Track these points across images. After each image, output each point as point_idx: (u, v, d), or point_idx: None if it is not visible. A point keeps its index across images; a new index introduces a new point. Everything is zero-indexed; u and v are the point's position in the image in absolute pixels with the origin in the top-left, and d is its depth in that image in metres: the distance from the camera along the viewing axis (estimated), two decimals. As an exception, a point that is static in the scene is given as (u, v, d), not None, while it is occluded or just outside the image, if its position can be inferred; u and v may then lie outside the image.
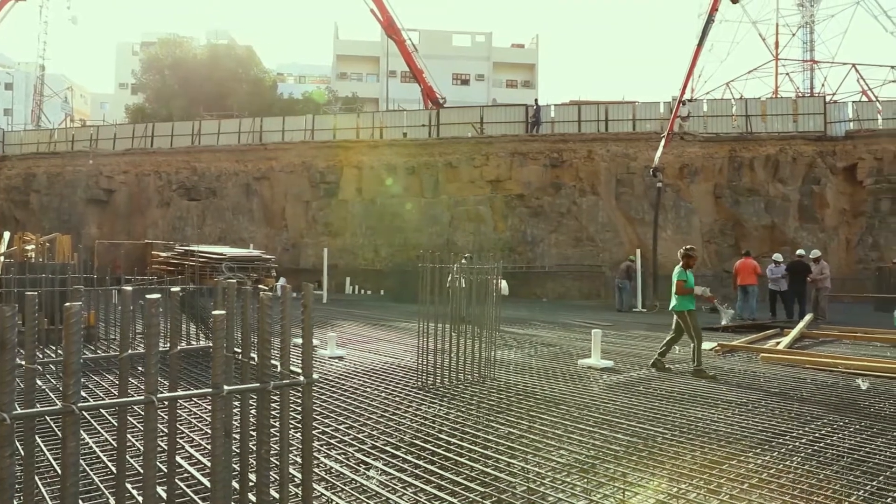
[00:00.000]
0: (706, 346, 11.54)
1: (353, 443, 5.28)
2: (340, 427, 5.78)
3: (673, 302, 9.35)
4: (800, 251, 18.45)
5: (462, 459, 4.84)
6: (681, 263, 9.38)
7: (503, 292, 12.33)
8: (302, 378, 2.22)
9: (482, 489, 4.22)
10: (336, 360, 9.61)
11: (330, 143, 30.99)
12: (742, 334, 13.52)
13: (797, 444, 5.36)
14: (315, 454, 4.94)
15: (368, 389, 7.49)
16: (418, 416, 6.23)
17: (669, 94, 25.81)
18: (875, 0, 40.36)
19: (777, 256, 18.08)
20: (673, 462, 4.82)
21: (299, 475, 4.38)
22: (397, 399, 6.97)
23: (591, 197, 27.55)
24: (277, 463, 2.35)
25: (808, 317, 14.99)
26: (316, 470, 4.59)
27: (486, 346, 8.33)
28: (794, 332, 12.60)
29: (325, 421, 5.98)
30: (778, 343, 11.73)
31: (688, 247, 9.78)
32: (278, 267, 22.25)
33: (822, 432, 5.74)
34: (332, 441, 5.33)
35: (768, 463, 4.82)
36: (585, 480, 4.42)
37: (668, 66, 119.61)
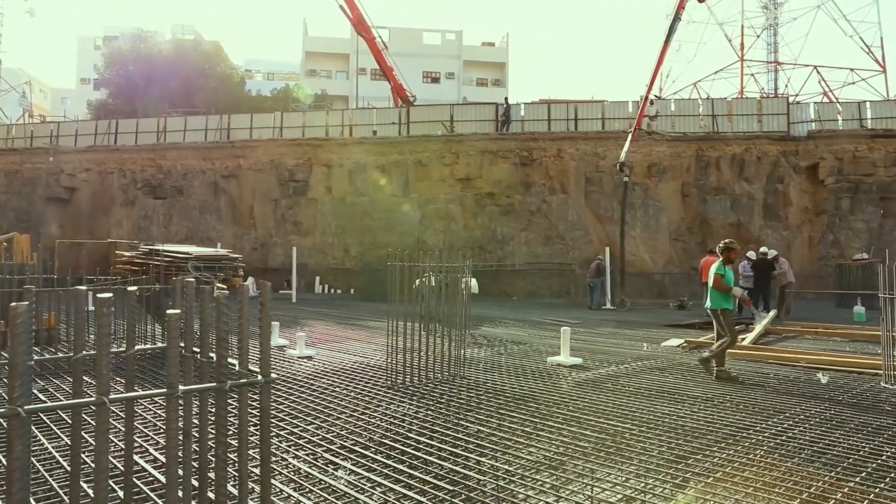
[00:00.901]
0: (673, 342, 11.71)
1: (322, 443, 5.23)
2: (309, 427, 5.72)
3: (708, 300, 8.81)
4: (763, 249, 18.79)
5: (431, 458, 4.81)
6: (720, 259, 8.74)
7: (473, 291, 12.33)
8: (260, 377, 2.17)
9: (451, 487, 4.20)
10: (305, 360, 9.52)
11: (299, 141, 30.69)
12: (708, 331, 13.71)
13: (761, 437, 5.45)
14: (283, 455, 4.89)
15: (338, 389, 7.42)
16: (387, 415, 6.20)
17: (638, 94, 26.19)
18: (835, 4, 41.33)
19: (751, 254, 18.31)
20: (640, 457, 4.85)
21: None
22: (366, 398, 6.92)
23: (560, 195, 27.73)
24: (237, 461, 2.30)
25: (772, 313, 15.27)
26: (284, 471, 4.53)
27: (456, 345, 8.32)
28: (758, 329, 12.84)
29: (294, 421, 5.91)
30: (743, 339, 11.93)
31: (727, 240, 9.01)
32: (246, 266, 22.01)
33: (785, 426, 5.85)
34: (300, 441, 5.27)
35: (733, 457, 4.88)
36: (554, 477, 4.43)
37: (637, 66, 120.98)
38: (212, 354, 2.22)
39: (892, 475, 4.51)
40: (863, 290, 16.27)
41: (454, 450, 5.02)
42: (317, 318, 16.23)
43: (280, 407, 6.46)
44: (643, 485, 4.28)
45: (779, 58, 46.51)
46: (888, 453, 5.04)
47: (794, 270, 20.20)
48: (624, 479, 4.40)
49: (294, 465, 4.66)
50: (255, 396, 2.48)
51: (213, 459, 2.22)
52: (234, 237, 29.75)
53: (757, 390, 7.53)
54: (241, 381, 2.13)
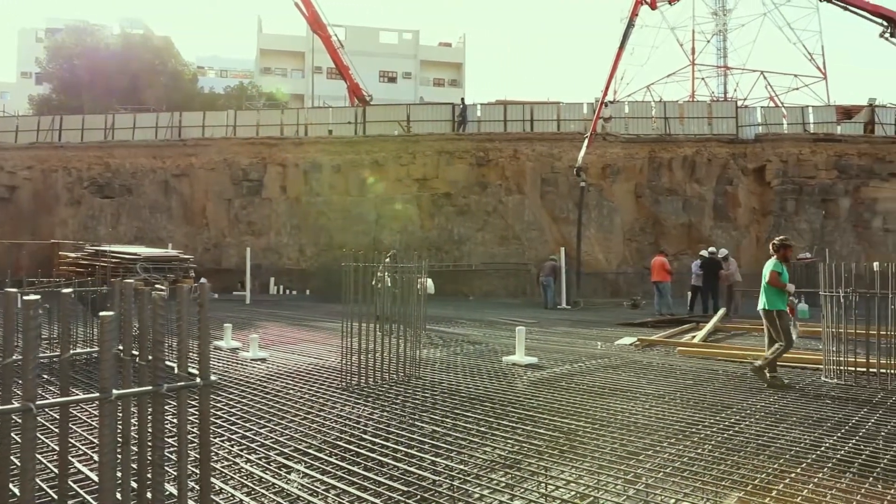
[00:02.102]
0: (626, 341, 11.90)
1: (275, 446, 5.14)
2: (262, 430, 5.61)
3: (762, 300, 8.13)
4: (711, 248, 19.28)
5: (386, 459, 4.78)
6: (774, 255, 8.26)
7: (429, 291, 12.31)
8: (199, 380, 2.11)
9: (406, 488, 4.17)
10: (259, 363, 9.36)
11: (253, 140, 30.20)
12: (660, 329, 14.00)
13: (709, 432, 5.57)
14: (235, 459, 4.78)
15: (291, 391, 7.32)
16: (342, 416, 6.13)
17: (593, 96, 26.64)
18: (780, 13, 42.69)
19: (703, 253, 18.71)
20: (594, 454, 4.91)
21: (219, 477, 4.24)
22: (321, 400, 6.84)
23: (517, 196, 27.94)
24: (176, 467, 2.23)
25: (721, 311, 15.68)
26: (235, 476, 4.43)
27: (412, 346, 8.29)
28: (708, 326, 13.16)
29: (247, 425, 5.80)
30: (694, 337, 12.21)
31: (782, 237, 8.59)
32: (198, 267, 21.54)
33: (732, 420, 5.99)
34: (252, 445, 5.17)
35: (683, 452, 4.98)
36: (509, 476, 4.44)
37: (592, 68, 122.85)
38: (151, 357, 2.15)
39: (831, 465, 4.67)
40: (806, 288, 16.84)
41: (409, 451, 4.99)
42: (271, 320, 15.98)
43: (232, 410, 6.33)
44: (596, 481, 4.33)
45: (728, 63, 47.85)
46: (827, 444, 5.21)
47: (743, 270, 20.79)
48: (577, 476, 4.44)
49: (246, 470, 4.56)
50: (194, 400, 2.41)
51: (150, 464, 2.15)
52: (186, 237, 29.09)
53: (706, 386, 7.71)
54: (178, 383, 2.06)
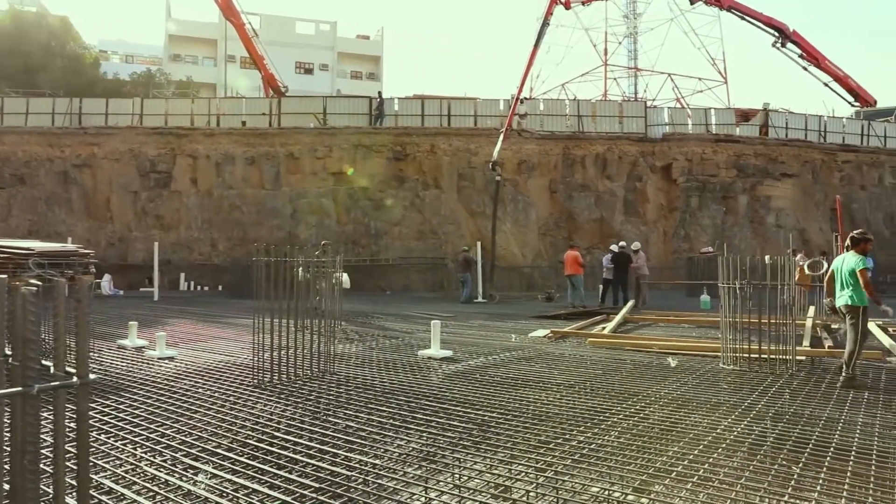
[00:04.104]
0: (540, 333, 12.18)
1: (182, 447, 4.96)
2: (168, 431, 5.40)
3: (848, 294, 7.41)
4: (621, 243, 20.01)
5: (298, 456, 4.70)
6: (853, 250, 7.56)
7: (345, 285, 12.20)
8: (76, 379, 2.00)
9: (318, 485, 4.12)
10: (166, 361, 9.00)
11: (161, 130, 28.91)
12: (573, 321, 14.42)
13: (617, 419, 5.79)
14: (138, 462, 4.58)
15: (201, 390, 7.08)
16: (254, 414, 5.99)
17: (509, 92, 27.11)
18: (685, 19, 44.69)
19: (613, 247, 19.37)
20: (506, 445, 5.00)
21: (113, 480, 4.04)
22: (232, 399, 6.65)
23: (433, 190, 28.06)
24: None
25: (630, 303, 16.31)
26: (139, 479, 4.25)
27: (326, 341, 8.18)
28: (617, 318, 13.64)
29: (151, 426, 5.56)
30: (604, 328, 12.65)
31: (861, 230, 7.99)
32: (102, 263, 20.43)
33: (638, 407, 6.25)
34: (157, 447, 4.97)
35: (591, 439, 5.15)
36: (423, 469, 4.46)
37: (509, 66, 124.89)
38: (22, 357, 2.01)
39: (725, 445, 4.95)
40: (708, 280, 17.78)
41: (322, 447, 4.93)
42: (180, 317, 15.40)
43: (137, 412, 6.06)
44: (508, 471, 4.41)
45: (638, 64, 49.68)
46: (723, 425, 5.53)
47: (651, 263, 21.72)
48: (490, 466, 4.51)
49: (150, 473, 4.38)
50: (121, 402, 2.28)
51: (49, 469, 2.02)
52: (88, 232, 27.53)
53: (615, 375, 8.00)
54: (53, 383, 1.95)
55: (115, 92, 37.08)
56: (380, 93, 32.40)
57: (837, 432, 5.35)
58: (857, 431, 5.39)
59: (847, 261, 7.54)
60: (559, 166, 28.85)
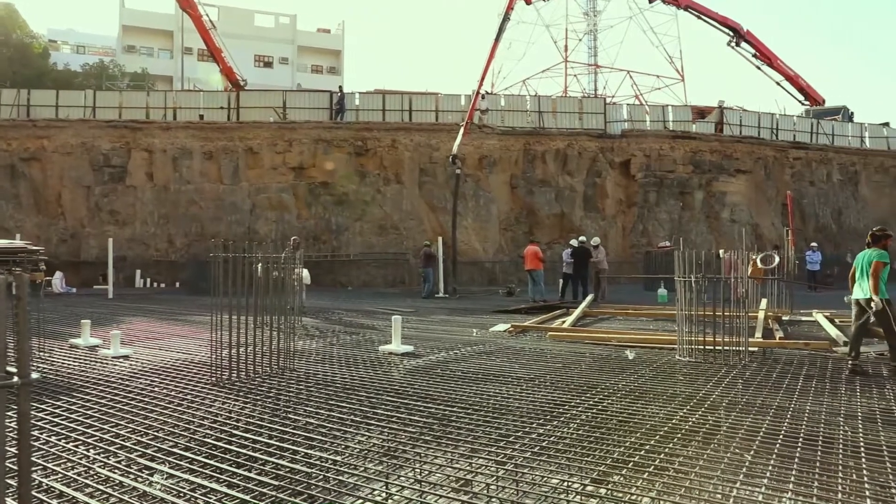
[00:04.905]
0: (500, 327, 12.27)
1: (137, 447, 4.86)
2: (123, 432, 5.29)
3: (874, 290, 7.70)
4: (581, 238, 20.26)
5: (258, 454, 4.66)
6: (874, 245, 7.95)
7: (305, 281, 12.10)
8: (17, 379, 1.94)
9: (277, 482, 4.09)
10: (121, 360, 8.81)
11: (115, 123, 28.13)
12: (533, 315, 14.56)
13: (576, 411, 5.87)
14: (89, 464, 4.47)
15: (157, 389, 6.95)
16: (211, 413, 5.90)
17: (471, 88, 27.17)
18: (644, 17, 45.39)
19: (574, 242, 19.57)
20: (467, 439, 5.03)
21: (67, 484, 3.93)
22: (189, 397, 6.55)
23: (395, 185, 27.97)
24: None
25: (589, 297, 16.53)
26: (91, 482, 4.15)
27: (286, 337, 8.11)
28: (577, 312, 13.83)
29: (105, 427, 5.44)
30: (564, 322, 12.80)
31: (881, 227, 8.39)
32: (53, 260, 19.85)
33: (596, 399, 6.35)
34: (111, 448, 4.86)
35: (550, 431, 5.22)
36: (384, 464, 4.46)
37: (471, 61, 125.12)
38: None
39: (680, 434, 5.07)
40: (665, 274, 18.13)
41: (282, 444, 4.89)
42: (136, 315, 15.07)
43: (90, 412, 5.91)
44: (469, 464, 4.44)
45: (598, 61, 50.26)
46: (679, 415, 5.66)
47: (610, 258, 22.04)
48: (451, 460, 4.54)
49: (104, 475, 4.28)
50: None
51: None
52: (38, 228, 26.68)
53: (574, 369, 8.11)
54: None
55: (66, 83, 35.98)
56: (340, 87, 32.11)
57: (787, 420, 5.52)
58: (805, 419, 5.57)
59: (867, 255, 7.92)
60: (520, 162, 29.04)
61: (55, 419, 5.69)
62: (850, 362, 7.76)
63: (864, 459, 4.49)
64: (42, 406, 6.14)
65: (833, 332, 10.68)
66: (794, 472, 4.22)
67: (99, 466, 4.44)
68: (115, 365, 8.46)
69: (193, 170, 27.65)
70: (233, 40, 37.51)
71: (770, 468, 4.30)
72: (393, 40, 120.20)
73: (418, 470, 4.35)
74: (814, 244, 25.56)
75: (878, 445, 4.80)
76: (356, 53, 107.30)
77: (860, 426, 5.35)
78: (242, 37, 47.72)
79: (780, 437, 5.01)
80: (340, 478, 4.20)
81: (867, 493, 3.90)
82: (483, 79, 25.22)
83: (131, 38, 53.50)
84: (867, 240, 8.14)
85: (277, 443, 4.93)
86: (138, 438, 5.10)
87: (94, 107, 29.06)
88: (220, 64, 32.86)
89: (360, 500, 3.86)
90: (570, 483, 4.08)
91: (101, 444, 4.96)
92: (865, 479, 4.12)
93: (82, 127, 27.77)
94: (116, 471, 4.36)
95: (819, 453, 4.62)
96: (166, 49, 53.47)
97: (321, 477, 4.20)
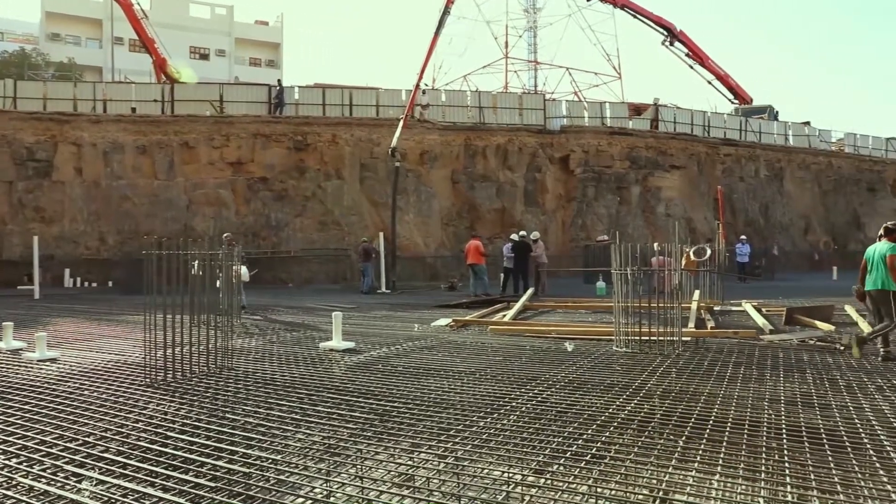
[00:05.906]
0: (442, 322, 12.32)
1: (65, 454, 4.66)
2: (48, 438, 5.06)
3: (879, 281, 8.01)
4: (522, 232, 20.52)
5: (194, 456, 4.54)
6: (886, 239, 8.08)
7: (244, 279, 11.86)
8: None
9: (213, 484, 4.00)
10: (47, 363, 8.43)
11: (40, 115, 26.86)
12: (475, 309, 14.67)
13: (517, 403, 5.95)
14: (12, 475, 4.26)
15: (87, 392, 6.69)
16: (145, 415, 5.72)
17: (411, 83, 27.06)
18: (582, 15, 46.22)
19: (515, 236, 19.80)
20: (408, 434, 5.03)
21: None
22: (122, 400, 6.32)
23: (336, 181, 27.69)
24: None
25: (530, 291, 16.76)
26: (12, 493, 3.95)
27: (224, 335, 7.93)
28: (518, 305, 14.00)
29: (29, 434, 5.19)
30: (504, 316, 12.94)
31: (893, 221, 8.41)
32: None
33: (537, 391, 6.45)
34: (36, 455, 4.64)
35: (491, 424, 5.27)
36: (325, 462, 4.42)
37: (412, 56, 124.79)
38: None
39: (617, 423, 5.21)
40: (603, 267, 18.57)
41: (220, 444, 4.78)
42: (65, 316, 14.46)
43: (11, 419, 5.63)
44: (410, 459, 4.45)
45: (538, 58, 50.92)
46: (616, 405, 5.81)
47: (550, 252, 22.41)
48: (392, 455, 4.53)
49: (26, 485, 4.09)
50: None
51: None
52: (-44, 225, 25.29)
53: (515, 361, 8.22)
54: None
55: (-16, 73, 34.14)
56: (280, 81, 31.54)
57: (717, 406, 5.74)
58: (734, 404, 5.81)
59: (880, 248, 8.08)
60: (461, 157, 29.18)
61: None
62: (882, 350, 8.02)
63: (785, 440, 4.72)
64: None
65: (760, 321, 11.15)
66: (722, 455, 4.39)
67: (21, 476, 4.24)
68: (41, 368, 8.09)
69: (126, 165, 26.70)
70: (167, 31, 36.42)
71: (701, 452, 4.47)
72: (333, 34, 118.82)
73: (360, 466, 4.33)
74: (743, 237, 26.64)
75: (798, 426, 5.04)
76: (296, 47, 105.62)
77: (783, 409, 5.61)
78: (177, 27, 46.35)
79: (711, 422, 5.20)
80: (280, 477, 4.14)
81: (787, 471, 4.10)
82: (423, 72, 25.18)
83: (56, 26, 51.13)
84: (880, 233, 8.29)
85: (215, 443, 4.82)
86: (66, 444, 4.89)
87: (14, 97, 27.70)
88: (153, 55, 31.83)
89: (301, 499, 3.81)
90: (511, 474, 4.13)
91: (23, 453, 4.72)
92: (786, 458, 4.33)
93: (2, 118, 26.43)
94: (41, 479, 4.17)
95: (745, 436, 4.82)
96: (95, 38, 51.37)
97: (260, 476, 4.14)
